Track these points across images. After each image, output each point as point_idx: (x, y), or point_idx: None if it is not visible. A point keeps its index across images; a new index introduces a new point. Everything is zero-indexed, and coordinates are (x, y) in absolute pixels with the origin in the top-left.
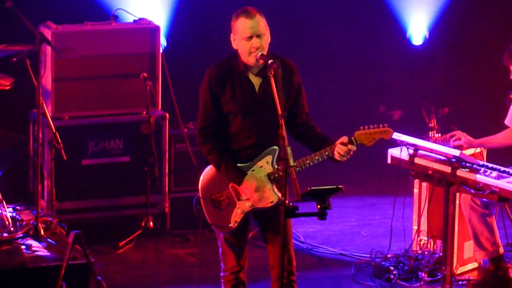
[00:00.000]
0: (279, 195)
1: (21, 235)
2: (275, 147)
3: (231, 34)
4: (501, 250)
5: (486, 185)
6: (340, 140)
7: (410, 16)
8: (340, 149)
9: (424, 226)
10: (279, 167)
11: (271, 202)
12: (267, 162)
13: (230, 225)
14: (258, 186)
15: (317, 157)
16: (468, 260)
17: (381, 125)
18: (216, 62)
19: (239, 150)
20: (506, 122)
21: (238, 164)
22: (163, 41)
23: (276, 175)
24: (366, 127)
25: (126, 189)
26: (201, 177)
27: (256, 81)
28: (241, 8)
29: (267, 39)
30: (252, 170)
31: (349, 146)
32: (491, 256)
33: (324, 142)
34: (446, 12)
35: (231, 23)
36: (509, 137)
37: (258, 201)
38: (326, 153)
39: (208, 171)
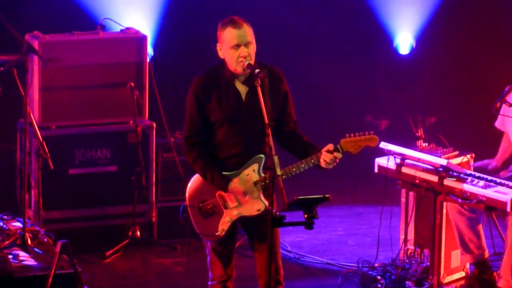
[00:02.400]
0: (266, 203)
1: (8, 244)
2: (262, 155)
3: (218, 44)
4: (486, 254)
5: (473, 194)
6: (326, 147)
7: (397, 26)
8: (326, 157)
9: (411, 235)
10: (266, 175)
11: (258, 210)
12: (254, 170)
13: (217, 233)
14: (245, 194)
15: (303, 165)
16: (455, 269)
17: (366, 133)
18: (203, 71)
19: (226, 158)
20: (496, 124)
21: (225, 173)
22: (150, 51)
23: (262, 183)
24: (352, 134)
25: (113, 198)
26: (188, 186)
27: (242, 89)
28: (227, 17)
29: (254, 47)
30: (239, 178)
31: (335, 153)
32: (477, 259)
33: (311, 150)
34: (433, 22)
35: (217, 32)
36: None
37: (245, 209)
38: (312, 161)
39: (196, 179)
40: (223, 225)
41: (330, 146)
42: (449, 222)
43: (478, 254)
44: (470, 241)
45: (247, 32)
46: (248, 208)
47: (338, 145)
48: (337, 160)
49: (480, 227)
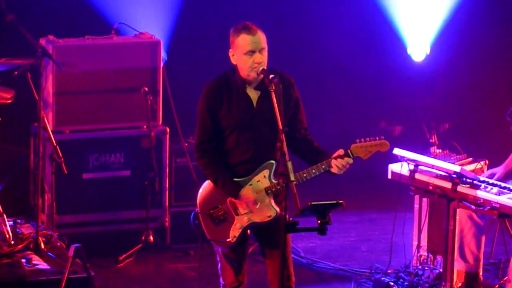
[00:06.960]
0: (277, 209)
1: (22, 248)
2: (272, 161)
3: (230, 50)
4: (480, 269)
5: (486, 201)
6: (337, 153)
7: (411, 33)
8: (336, 162)
9: (424, 242)
10: (279, 181)
11: (269, 217)
12: (264, 176)
13: (228, 240)
14: (256, 201)
15: (313, 171)
16: None
17: (377, 138)
18: (214, 77)
19: (236, 164)
20: None
21: (235, 179)
22: (164, 55)
23: (273, 189)
24: (363, 139)
25: (126, 203)
26: (199, 192)
27: (254, 95)
28: (240, 24)
29: (267, 54)
30: (250, 185)
31: (346, 159)
32: (469, 270)
33: (321, 156)
34: (447, 29)
35: (230, 38)
36: None
37: (256, 215)
38: (323, 166)
39: (206, 186)
40: (234, 232)
41: (341, 152)
42: None
43: (472, 265)
44: (469, 250)
45: (261, 38)
46: (259, 215)
47: (349, 150)
48: (348, 166)
49: (483, 240)
